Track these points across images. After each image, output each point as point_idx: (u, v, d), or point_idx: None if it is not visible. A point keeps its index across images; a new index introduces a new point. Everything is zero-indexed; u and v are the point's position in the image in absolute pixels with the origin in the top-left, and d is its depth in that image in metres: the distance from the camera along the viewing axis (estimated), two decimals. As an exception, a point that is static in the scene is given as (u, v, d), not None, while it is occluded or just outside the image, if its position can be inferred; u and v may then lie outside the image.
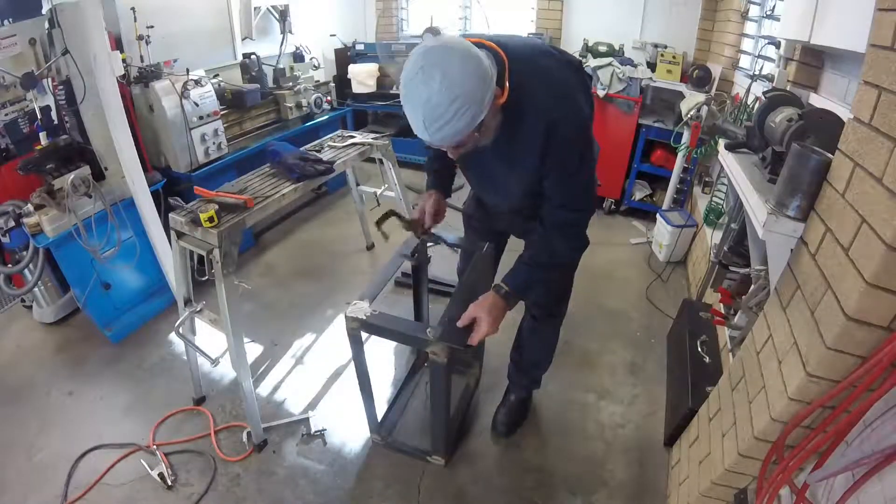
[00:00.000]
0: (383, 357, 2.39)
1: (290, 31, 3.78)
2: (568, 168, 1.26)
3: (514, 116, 1.19)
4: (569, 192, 1.30)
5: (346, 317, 1.53)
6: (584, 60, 3.77)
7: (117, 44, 2.55)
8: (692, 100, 3.08)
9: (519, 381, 2.02)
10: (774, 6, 2.64)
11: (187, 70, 2.73)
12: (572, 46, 4.10)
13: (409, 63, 1.04)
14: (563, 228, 1.34)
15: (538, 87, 1.17)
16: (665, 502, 1.74)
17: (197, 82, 2.71)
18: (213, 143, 2.85)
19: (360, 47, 4.57)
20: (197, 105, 2.70)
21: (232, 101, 3.14)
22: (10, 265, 2.28)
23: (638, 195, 3.77)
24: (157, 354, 2.40)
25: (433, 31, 3.54)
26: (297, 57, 3.75)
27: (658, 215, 3.25)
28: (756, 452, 1.23)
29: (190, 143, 2.71)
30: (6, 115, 2.19)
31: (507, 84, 1.12)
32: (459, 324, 1.37)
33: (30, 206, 2.14)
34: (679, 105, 3.26)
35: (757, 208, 1.29)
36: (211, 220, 1.57)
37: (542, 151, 1.21)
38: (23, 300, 2.64)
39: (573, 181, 1.29)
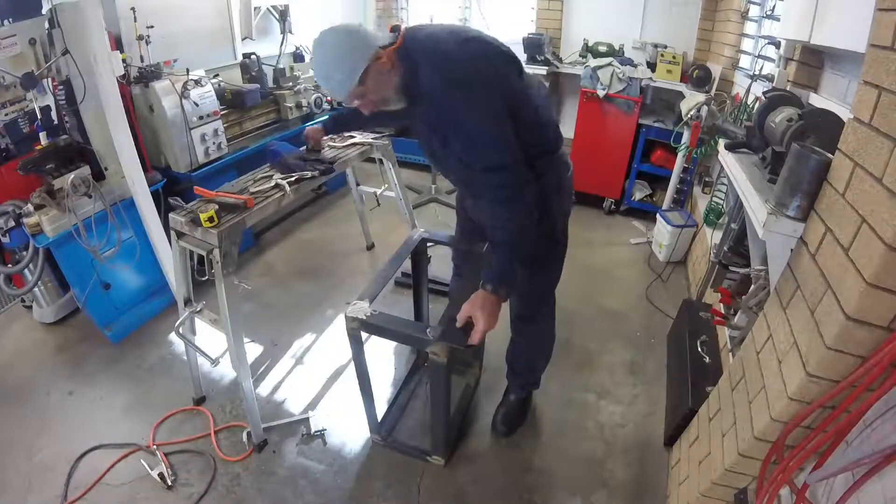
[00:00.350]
0: (383, 357, 2.39)
1: (290, 31, 3.77)
2: (464, 125, 1.28)
3: (414, 87, 1.31)
4: (478, 150, 1.30)
5: (346, 317, 1.53)
6: (584, 60, 3.78)
7: (117, 44, 2.55)
8: (692, 100, 3.08)
9: (517, 382, 2.02)
10: (774, 6, 2.64)
11: (187, 70, 2.72)
12: (572, 46, 4.10)
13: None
14: (493, 193, 1.32)
15: (425, 50, 1.31)
16: (665, 502, 1.74)
17: (197, 82, 2.71)
18: (213, 143, 2.85)
19: (360, 47, 4.56)
20: (197, 105, 2.70)
21: (232, 101, 3.13)
22: (10, 265, 2.28)
23: (638, 195, 3.77)
24: (157, 354, 2.40)
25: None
26: (297, 57, 3.75)
27: (658, 215, 3.25)
28: (756, 452, 1.23)
29: (190, 143, 2.71)
30: (6, 115, 2.19)
31: (396, 53, 1.30)
32: (458, 325, 1.38)
33: (30, 206, 2.14)
34: (679, 105, 3.26)
35: (757, 208, 1.29)
36: (211, 220, 1.57)
37: (438, 114, 1.30)
38: (23, 300, 2.64)
39: (478, 139, 1.29)
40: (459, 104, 1.26)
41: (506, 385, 2.09)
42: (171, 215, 1.68)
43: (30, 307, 2.60)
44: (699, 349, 1.98)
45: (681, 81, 3.42)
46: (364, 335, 1.59)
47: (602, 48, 3.82)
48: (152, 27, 2.74)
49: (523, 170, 1.33)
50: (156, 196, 2.55)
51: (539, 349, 1.95)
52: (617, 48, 3.81)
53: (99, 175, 2.30)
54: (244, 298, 2.72)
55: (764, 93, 1.83)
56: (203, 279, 1.80)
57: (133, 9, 2.64)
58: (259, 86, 3.29)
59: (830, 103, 1.69)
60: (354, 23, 1.35)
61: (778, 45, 2.22)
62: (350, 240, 3.38)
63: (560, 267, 1.76)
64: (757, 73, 2.55)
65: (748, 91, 2.47)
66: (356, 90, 1.29)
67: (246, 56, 3.39)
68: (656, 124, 3.48)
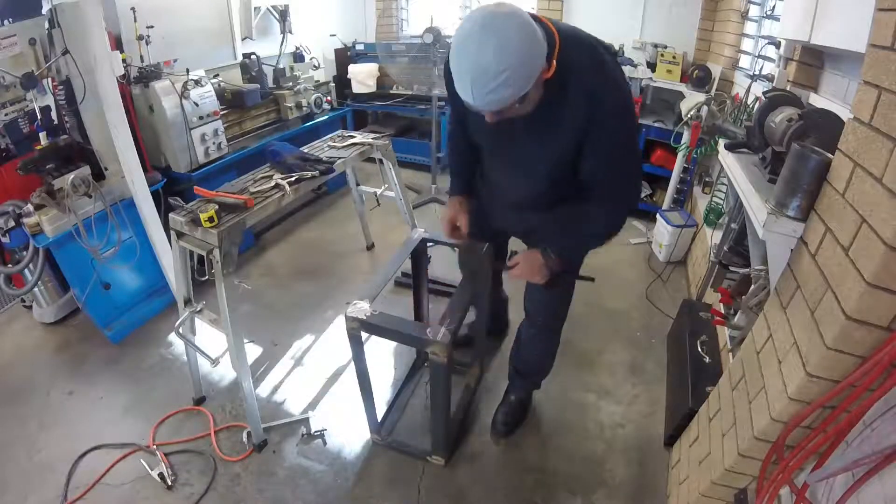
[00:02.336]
0: (383, 357, 2.39)
1: (290, 31, 3.78)
2: (613, 140, 1.23)
3: (556, 91, 1.17)
4: (619, 172, 1.29)
5: (346, 317, 1.53)
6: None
7: (117, 44, 2.55)
8: (692, 100, 3.08)
9: (520, 384, 2.03)
10: (774, 6, 2.64)
11: (187, 70, 2.72)
12: (572, 46, 4.10)
13: (466, 22, 1.04)
14: (609, 196, 1.34)
15: (583, 64, 1.18)
16: (665, 502, 1.74)
17: (197, 82, 2.71)
18: (213, 143, 2.85)
19: (360, 47, 4.57)
20: (197, 105, 2.70)
21: (232, 101, 3.14)
22: (10, 265, 2.28)
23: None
24: (157, 354, 2.40)
25: (433, 31, 3.54)
26: (297, 57, 3.75)
27: (658, 215, 3.24)
28: (756, 452, 1.23)
29: (190, 143, 2.71)
30: (6, 115, 2.19)
31: (556, 61, 1.12)
32: (510, 263, 1.48)
33: (30, 206, 2.14)
34: (679, 105, 3.26)
35: (757, 208, 1.29)
36: (211, 220, 1.57)
37: (584, 124, 1.20)
38: (23, 300, 2.64)
39: (623, 161, 1.28)
40: (622, 122, 1.24)
41: (506, 386, 2.09)
42: (171, 215, 1.68)
43: (30, 307, 2.60)
44: (699, 349, 1.97)
45: (681, 81, 3.42)
46: (364, 335, 1.59)
47: (602, 48, 3.81)
48: (152, 27, 2.74)
49: (639, 195, 1.43)
50: (156, 196, 2.55)
51: (547, 354, 1.96)
52: (617, 48, 3.81)
53: (99, 175, 2.31)
54: (244, 298, 2.72)
55: (764, 93, 1.83)
56: (203, 279, 1.80)
57: (133, 9, 2.65)
58: (259, 86, 3.30)
59: (830, 103, 1.69)
60: (520, 9, 1.06)
61: (778, 45, 2.22)
62: (350, 240, 3.38)
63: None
64: (757, 73, 2.55)
65: (748, 91, 2.47)
66: (510, 105, 1.09)
67: (246, 56, 3.39)
68: (656, 124, 3.48)
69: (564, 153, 1.28)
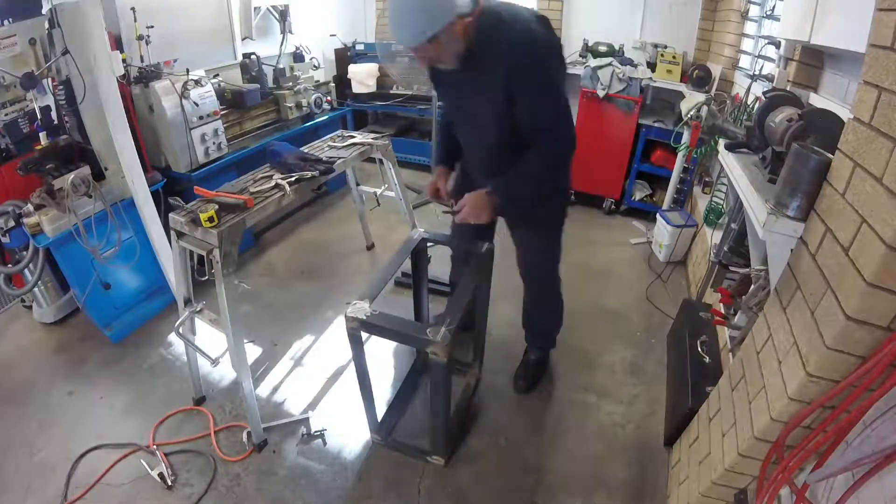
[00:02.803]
0: (383, 357, 2.39)
1: (290, 31, 3.77)
2: (537, 81, 1.45)
3: (482, 46, 1.44)
4: (544, 111, 1.49)
5: (346, 317, 1.53)
6: (584, 60, 3.78)
7: (117, 44, 2.55)
8: (692, 100, 3.08)
9: (535, 343, 2.24)
10: (774, 6, 2.64)
11: (187, 70, 2.72)
12: (572, 46, 4.09)
13: None
14: (546, 146, 1.52)
15: (505, 24, 1.44)
16: (665, 502, 1.74)
17: (197, 82, 2.71)
18: (213, 143, 2.85)
19: (360, 47, 4.57)
20: (197, 105, 2.70)
21: (232, 101, 3.14)
22: (10, 265, 2.28)
23: (638, 195, 3.77)
24: (157, 354, 2.40)
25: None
26: (297, 57, 3.75)
27: (658, 215, 3.25)
28: (756, 452, 1.23)
29: (190, 143, 2.71)
30: (6, 115, 2.19)
31: (479, 19, 1.42)
32: (456, 207, 1.63)
33: (30, 206, 2.14)
34: (679, 105, 3.26)
35: (757, 208, 1.29)
36: (211, 220, 1.57)
37: (508, 72, 1.43)
38: (23, 300, 2.64)
39: (546, 100, 1.48)
40: (541, 67, 1.45)
41: (505, 383, 2.12)
42: (171, 215, 1.68)
43: (30, 307, 2.60)
44: (699, 349, 1.97)
45: (681, 81, 3.42)
46: (364, 335, 1.59)
47: (602, 48, 3.82)
48: (152, 27, 2.74)
49: (573, 136, 1.57)
50: (156, 196, 2.55)
51: (553, 312, 2.15)
52: (617, 48, 3.81)
53: (99, 175, 2.31)
54: (244, 298, 2.72)
55: (764, 93, 1.83)
56: (203, 279, 1.80)
57: (133, 9, 2.65)
58: (259, 86, 3.29)
59: (830, 103, 1.69)
60: None
61: (778, 45, 2.22)
62: (350, 240, 3.38)
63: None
64: (757, 73, 2.55)
65: (748, 91, 2.47)
66: (424, 46, 1.39)
67: (246, 56, 3.39)
68: (656, 124, 3.48)
69: (498, 103, 1.49)
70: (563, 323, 2.20)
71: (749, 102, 2.39)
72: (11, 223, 2.12)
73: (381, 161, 2.60)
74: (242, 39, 3.59)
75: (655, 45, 3.63)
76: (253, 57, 3.36)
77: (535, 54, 1.44)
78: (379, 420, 1.93)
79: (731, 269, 1.96)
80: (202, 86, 2.74)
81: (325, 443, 1.94)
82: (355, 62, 4.52)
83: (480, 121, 1.62)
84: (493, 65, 1.44)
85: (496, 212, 1.63)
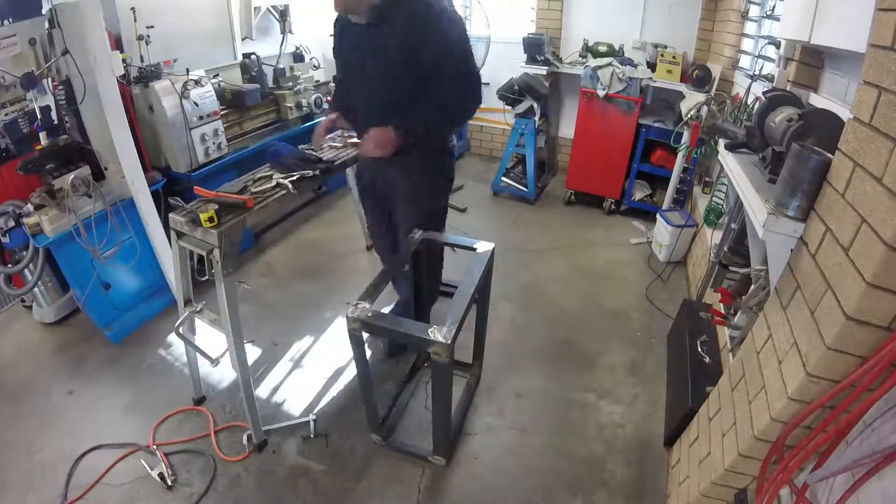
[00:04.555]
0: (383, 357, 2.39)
1: (290, 31, 3.77)
2: (448, 44, 1.63)
3: (388, 16, 1.62)
4: (458, 65, 1.69)
5: (347, 317, 1.53)
6: (584, 60, 3.78)
7: (117, 44, 2.55)
8: (692, 100, 3.08)
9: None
10: (774, 6, 2.64)
11: (187, 70, 2.72)
12: (572, 46, 4.10)
13: None
14: (455, 100, 1.74)
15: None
16: (665, 502, 1.74)
17: (197, 82, 2.71)
18: (213, 143, 2.85)
19: (360, 47, 4.56)
20: (197, 105, 2.70)
21: (232, 101, 3.13)
22: (10, 265, 2.28)
23: (638, 195, 3.77)
24: (157, 354, 2.40)
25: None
26: (297, 57, 3.75)
27: (658, 215, 3.25)
28: (756, 452, 1.23)
29: (190, 143, 2.71)
30: (6, 115, 2.19)
31: None
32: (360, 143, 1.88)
33: (30, 206, 2.14)
34: (679, 105, 3.26)
35: (757, 208, 1.29)
36: (211, 220, 1.56)
37: (410, 41, 1.61)
38: (23, 300, 2.64)
39: (460, 57, 1.68)
40: (447, 28, 1.63)
41: (507, 385, 2.13)
42: (171, 215, 1.68)
43: (30, 307, 2.60)
44: (699, 349, 1.97)
45: (681, 81, 3.42)
46: (365, 335, 1.59)
47: (602, 48, 3.82)
48: (152, 27, 2.74)
49: (479, 96, 1.78)
50: (156, 196, 2.54)
51: (433, 292, 2.31)
52: (617, 48, 3.82)
53: (99, 175, 2.30)
54: (244, 298, 2.71)
55: (764, 93, 1.83)
56: (203, 279, 1.80)
57: (133, 9, 2.64)
58: (259, 86, 3.29)
59: (830, 103, 1.69)
60: None
61: (778, 45, 2.22)
62: (350, 240, 3.38)
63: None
64: (757, 73, 2.55)
65: (748, 91, 2.47)
66: None
67: (246, 56, 3.39)
68: (656, 124, 3.48)
69: (393, 66, 1.67)
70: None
71: (749, 102, 2.39)
72: (11, 223, 2.12)
73: (381, 161, 2.59)
74: (242, 39, 3.58)
75: (655, 45, 3.63)
76: (253, 57, 3.36)
77: (432, 19, 1.61)
78: (379, 420, 1.93)
79: (731, 269, 1.97)
80: (202, 86, 2.74)
81: (325, 443, 1.94)
82: (355, 62, 4.51)
83: (374, 81, 1.77)
84: (396, 32, 1.62)
85: (396, 146, 1.77)
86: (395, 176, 1.98)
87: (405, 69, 1.66)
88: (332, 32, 1.92)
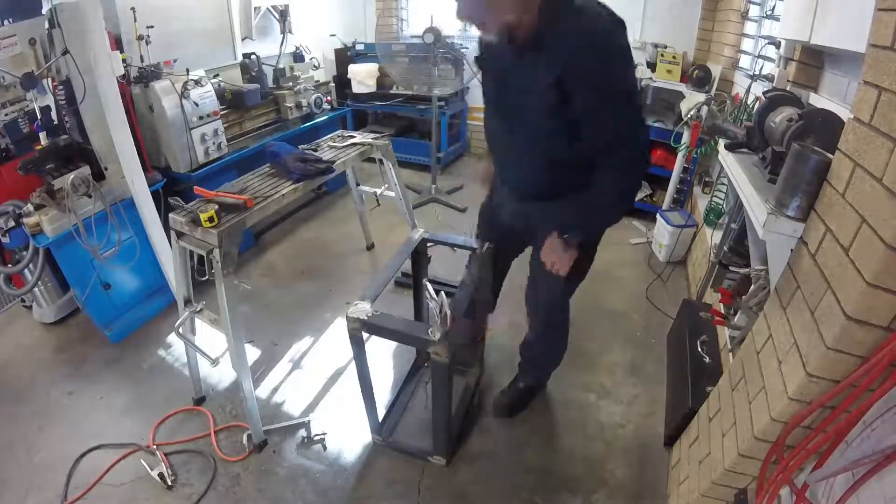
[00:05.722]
0: (383, 357, 2.39)
1: (290, 31, 3.78)
2: (602, 80, 1.19)
3: (545, 32, 1.21)
4: (610, 119, 1.24)
5: (347, 317, 1.53)
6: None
7: (117, 44, 2.55)
8: (692, 100, 3.08)
9: (527, 372, 2.10)
10: (774, 6, 2.64)
11: (187, 70, 2.72)
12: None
13: None
14: (612, 159, 1.28)
15: (573, 17, 1.20)
16: (665, 502, 1.74)
17: (197, 82, 2.71)
18: (213, 143, 2.85)
19: (360, 47, 4.57)
20: (197, 105, 2.70)
21: (232, 101, 3.14)
22: (10, 265, 2.28)
23: (638, 195, 3.77)
24: (157, 354, 2.40)
25: (433, 31, 3.54)
26: (297, 57, 3.75)
27: (658, 215, 3.25)
28: (756, 452, 1.23)
29: (190, 143, 2.71)
30: (6, 115, 2.19)
31: (546, 7, 1.20)
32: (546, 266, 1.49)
33: (30, 206, 2.14)
34: (679, 105, 3.26)
35: (757, 208, 1.29)
36: (211, 220, 1.57)
37: (564, 73, 1.19)
38: (23, 300, 2.64)
39: (613, 107, 1.23)
40: (608, 64, 1.20)
41: (507, 382, 2.11)
42: (171, 215, 1.68)
43: (30, 307, 2.60)
44: (699, 349, 1.97)
45: (681, 81, 3.42)
46: (365, 335, 1.59)
47: (602, 48, 3.81)
48: (152, 27, 2.74)
49: (646, 150, 1.32)
50: (156, 196, 2.55)
51: (557, 347, 2.02)
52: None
53: (99, 175, 2.30)
54: (244, 298, 2.72)
55: (764, 93, 1.83)
56: (203, 279, 1.80)
57: (133, 9, 2.65)
58: (259, 86, 3.30)
59: (830, 103, 1.69)
60: None
61: (778, 45, 2.22)
62: (350, 240, 3.38)
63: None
64: (757, 73, 2.55)
65: (748, 91, 2.47)
66: (487, 17, 1.22)
67: (246, 56, 3.39)
68: (656, 124, 3.48)
69: (544, 99, 1.25)
70: (562, 362, 2.06)
71: (749, 102, 2.39)
72: (11, 223, 2.12)
73: (381, 161, 2.60)
74: (242, 39, 3.59)
75: (655, 45, 3.63)
76: (253, 57, 3.36)
77: (602, 49, 1.19)
78: (380, 420, 1.93)
79: (731, 269, 1.97)
80: (202, 86, 2.74)
81: (325, 444, 1.94)
82: (355, 62, 4.53)
83: (525, 119, 1.37)
84: (549, 60, 1.21)
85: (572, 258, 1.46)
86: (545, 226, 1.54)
87: (556, 115, 1.27)
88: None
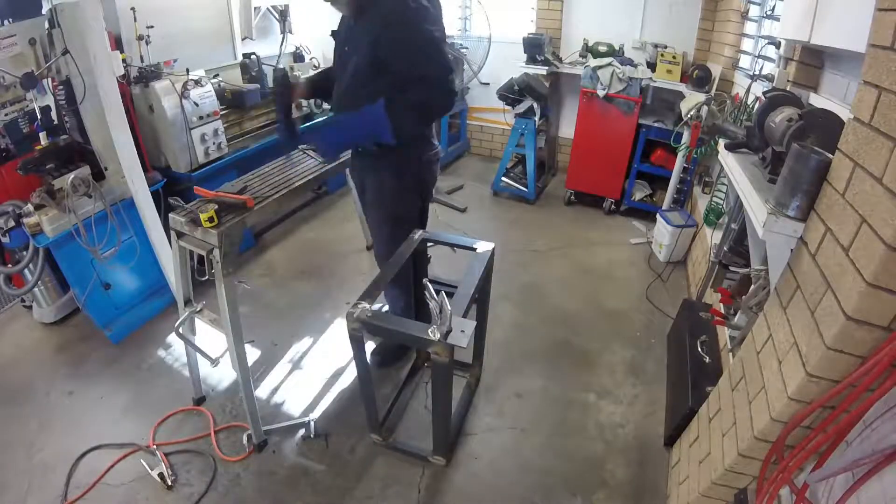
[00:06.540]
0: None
1: (290, 31, 3.77)
2: (415, 41, 1.59)
3: (365, 15, 1.65)
4: (425, 61, 1.60)
5: (347, 318, 1.53)
6: (584, 60, 3.78)
7: (117, 44, 2.55)
8: (692, 100, 3.08)
9: None
10: (774, 6, 2.64)
11: (187, 70, 2.72)
12: (572, 46, 4.10)
13: None
14: (412, 102, 1.63)
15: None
16: (665, 502, 1.74)
17: (197, 82, 2.71)
18: (213, 143, 2.85)
19: (360, 47, 4.56)
20: (197, 105, 2.70)
21: (232, 101, 3.13)
22: (10, 265, 2.28)
23: (638, 195, 3.77)
24: (157, 354, 2.40)
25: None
26: (297, 57, 3.75)
27: (658, 215, 3.25)
28: (756, 452, 1.24)
29: (190, 143, 2.71)
30: (6, 115, 2.19)
31: None
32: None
33: (30, 206, 2.14)
34: (679, 105, 3.26)
35: (757, 208, 1.29)
36: (211, 220, 1.56)
37: (378, 38, 1.60)
38: (23, 300, 2.64)
39: (426, 54, 1.60)
40: (414, 24, 1.58)
41: (507, 384, 2.12)
42: (171, 215, 1.68)
43: (30, 307, 2.60)
44: (699, 349, 1.98)
45: (681, 81, 3.42)
46: (365, 335, 1.59)
47: (602, 48, 3.82)
48: (152, 27, 2.74)
49: (449, 97, 1.70)
50: (156, 196, 2.55)
51: (400, 307, 2.19)
52: (617, 48, 3.81)
53: (99, 175, 2.30)
54: (244, 298, 2.71)
55: (764, 93, 1.83)
56: (203, 279, 1.80)
57: (133, 9, 2.65)
58: (259, 86, 3.29)
59: (830, 103, 1.69)
60: None
61: (778, 45, 2.22)
62: (350, 240, 3.38)
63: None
64: (757, 73, 2.55)
65: (748, 91, 2.47)
66: None
67: (246, 56, 3.39)
68: (656, 124, 3.48)
69: (362, 60, 1.67)
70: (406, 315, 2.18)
71: (749, 102, 2.39)
72: (11, 223, 2.12)
73: (381, 161, 2.59)
74: (242, 39, 3.59)
75: (655, 45, 3.63)
76: (253, 57, 3.36)
77: (406, 15, 1.58)
78: (379, 420, 1.93)
79: (731, 269, 1.97)
80: (202, 86, 2.74)
81: (325, 444, 1.94)
82: (355, 62, 4.51)
83: (348, 74, 1.77)
84: (368, 30, 1.62)
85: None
86: (366, 177, 1.99)
87: (374, 68, 1.67)
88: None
